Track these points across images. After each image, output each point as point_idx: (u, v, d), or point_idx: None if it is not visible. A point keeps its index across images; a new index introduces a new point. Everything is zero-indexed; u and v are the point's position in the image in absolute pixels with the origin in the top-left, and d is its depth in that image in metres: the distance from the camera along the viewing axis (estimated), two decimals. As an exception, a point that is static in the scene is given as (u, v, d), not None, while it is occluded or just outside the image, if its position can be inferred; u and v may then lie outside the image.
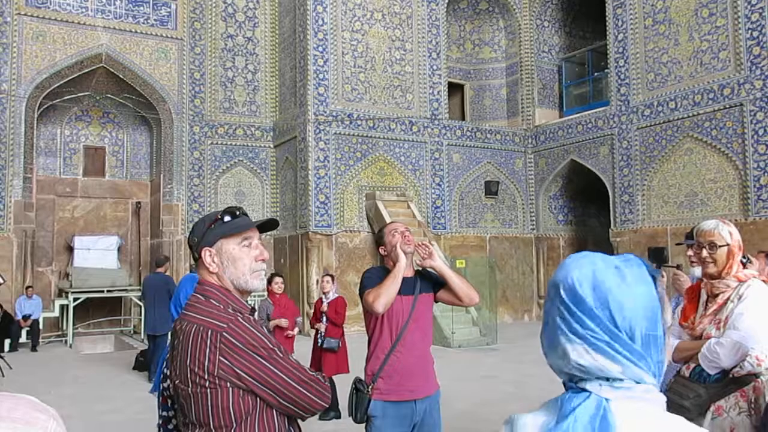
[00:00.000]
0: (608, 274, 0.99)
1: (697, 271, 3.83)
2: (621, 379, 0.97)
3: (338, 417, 6.33)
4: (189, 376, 1.66)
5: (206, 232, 1.80)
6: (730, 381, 2.52)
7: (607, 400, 0.96)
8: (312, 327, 6.87)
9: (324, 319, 6.63)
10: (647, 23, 13.52)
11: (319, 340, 6.60)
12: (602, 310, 0.97)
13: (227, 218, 1.80)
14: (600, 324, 0.96)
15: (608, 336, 0.96)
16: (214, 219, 1.82)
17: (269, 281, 7.20)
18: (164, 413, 1.94)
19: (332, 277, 7.00)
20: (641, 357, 0.96)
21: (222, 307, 1.72)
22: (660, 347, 0.99)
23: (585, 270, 1.00)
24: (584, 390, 0.99)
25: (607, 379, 0.97)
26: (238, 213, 1.83)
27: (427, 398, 3.03)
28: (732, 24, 11.95)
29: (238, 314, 1.72)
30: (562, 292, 1.00)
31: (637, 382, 0.97)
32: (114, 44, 14.20)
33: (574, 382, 1.01)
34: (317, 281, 13.54)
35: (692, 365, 2.64)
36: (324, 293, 6.88)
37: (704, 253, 2.66)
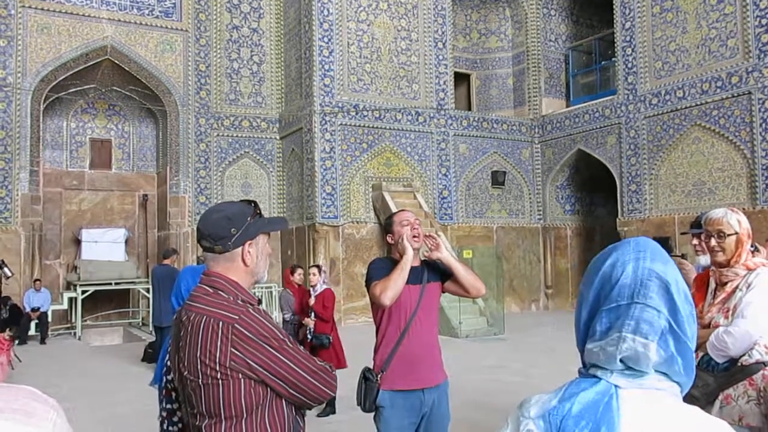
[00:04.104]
0: (676, 270, 1.02)
1: (703, 260, 3.80)
2: (637, 369, 0.98)
3: (333, 413, 6.18)
4: (199, 367, 1.66)
5: (248, 225, 1.77)
6: (739, 370, 2.51)
7: (617, 387, 0.97)
8: (301, 322, 6.62)
9: (312, 314, 6.37)
10: (655, 11, 13.40)
11: (309, 336, 6.36)
12: (688, 305, 1.01)
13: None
14: (686, 318, 1.00)
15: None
16: (252, 213, 1.80)
17: (291, 272, 7.09)
18: (168, 406, 1.93)
19: (319, 267, 6.71)
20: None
21: (231, 298, 1.72)
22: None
23: (671, 268, 1.01)
24: (594, 376, 1.00)
25: (629, 368, 0.98)
26: (259, 208, 1.85)
27: (435, 388, 3.03)
28: (740, 11, 11.83)
29: (249, 305, 1.71)
30: (668, 288, 1.00)
31: (656, 371, 0.98)
32: (119, 36, 14.19)
33: (586, 369, 1.03)
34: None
35: (700, 354, 2.63)
36: (311, 286, 6.56)
37: (713, 241, 2.65)
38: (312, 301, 6.42)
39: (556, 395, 1.02)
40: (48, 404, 0.83)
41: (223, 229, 1.75)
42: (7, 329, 8.67)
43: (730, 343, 2.47)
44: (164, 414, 1.94)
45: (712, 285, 2.76)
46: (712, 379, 2.54)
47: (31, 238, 13.45)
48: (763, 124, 11.43)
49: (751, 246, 2.77)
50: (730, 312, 2.57)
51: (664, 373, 0.99)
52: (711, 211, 2.74)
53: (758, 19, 11.54)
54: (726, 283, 2.67)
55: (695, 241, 3.71)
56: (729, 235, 2.61)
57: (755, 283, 2.55)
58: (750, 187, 11.68)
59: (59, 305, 13.63)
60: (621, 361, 0.98)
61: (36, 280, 13.04)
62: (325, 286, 6.54)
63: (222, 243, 1.75)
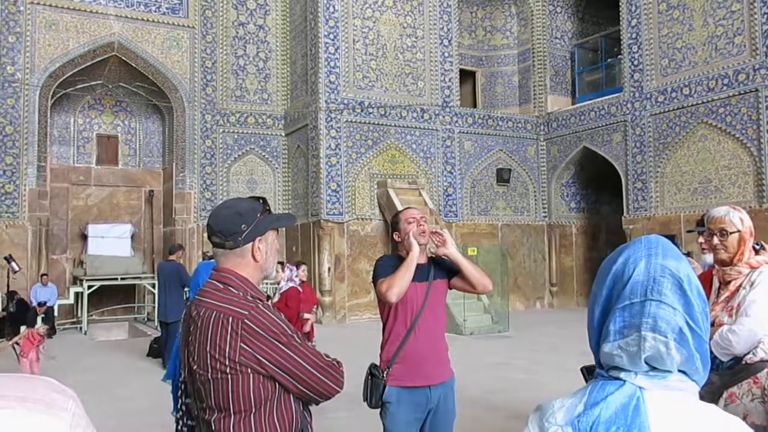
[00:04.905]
0: (689, 266, 1.01)
1: (709, 258, 3.80)
2: (661, 369, 0.97)
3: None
4: (209, 362, 1.68)
5: (258, 221, 1.79)
6: (743, 368, 2.52)
7: (641, 389, 0.97)
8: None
9: None
10: (661, 8, 13.36)
11: None
12: (701, 301, 1.00)
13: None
14: (700, 314, 0.99)
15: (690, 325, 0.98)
16: (262, 209, 1.82)
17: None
18: (188, 401, 1.95)
19: (282, 264, 6.44)
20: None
21: (241, 294, 1.74)
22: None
23: (683, 265, 1.00)
24: (618, 378, 0.99)
25: (653, 368, 0.97)
26: (268, 205, 1.87)
27: (441, 384, 3.05)
28: (747, 8, 11.79)
29: (258, 301, 1.74)
30: (681, 284, 0.99)
31: (680, 371, 0.98)
32: (126, 32, 14.24)
33: (606, 370, 1.02)
34: (329, 269, 13.60)
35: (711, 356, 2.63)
36: (276, 283, 6.32)
37: (715, 240, 2.65)
38: (276, 298, 6.22)
39: (580, 400, 1.00)
40: (66, 394, 0.86)
41: (234, 225, 1.77)
42: (41, 323, 8.71)
43: (735, 341, 2.48)
44: (183, 409, 1.96)
45: (716, 283, 2.77)
46: (717, 377, 2.54)
47: (38, 232, 13.52)
48: (770, 123, 11.39)
49: (757, 244, 2.78)
50: (734, 310, 2.57)
51: (684, 372, 0.99)
52: (713, 210, 2.74)
53: (765, 16, 11.49)
54: (729, 282, 2.67)
55: (701, 239, 3.70)
56: (731, 233, 2.61)
57: (758, 281, 2.56)
58: (757, 185, 11.64)
59: (65, 300, 13.71)
60: (645, 362, 0.97)
61: (43, 274, 13.11)
62: (290, 284, 6.32)
63: (233, 239, 1.77)
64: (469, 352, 9.40)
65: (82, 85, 14.88)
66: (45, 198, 13.94)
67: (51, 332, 8.36)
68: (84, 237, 15.08)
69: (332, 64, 14.08)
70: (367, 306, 13.41)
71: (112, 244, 14.87)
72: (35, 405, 0.80)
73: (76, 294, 13.83)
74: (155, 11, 14.58)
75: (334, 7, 14.16)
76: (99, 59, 14.30)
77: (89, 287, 13.58)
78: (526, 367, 8.51)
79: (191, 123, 14.86)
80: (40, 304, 12.56)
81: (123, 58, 14.48)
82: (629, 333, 0.98)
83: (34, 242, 13.41)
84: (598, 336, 1.04)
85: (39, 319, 12.64)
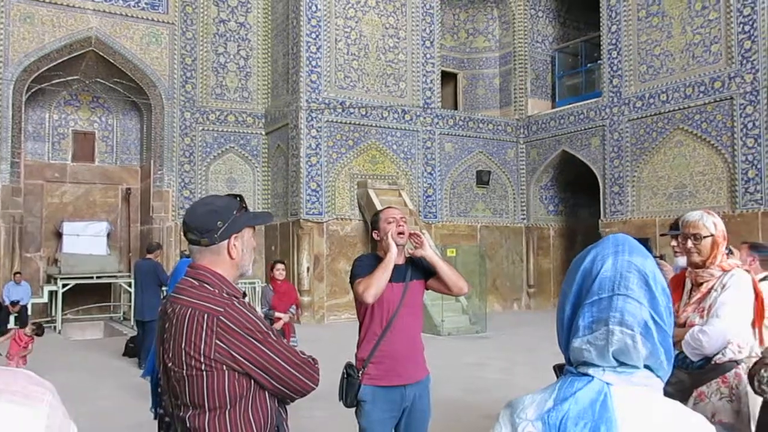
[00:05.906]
0: (654, 264, 1.05)
1: (681, 261, 3.88)
2: (629, 365, 1.00)
3: None
4: (184, 358, 1.68)
5: (234, 218, 1.78)
6: (712, 368, 2.58)
7: (608, 384, 0.99)
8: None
9: None
10: (641, 15, 13.54)
11: None
12: (665, 297, 1.02)
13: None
14: (664, 309, 1.02)
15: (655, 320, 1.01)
16: (238, 207, 1.82)
17: (271, 268, 7.12)
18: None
19: None
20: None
21: (216, 291, 1.73)
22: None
23: (649, 262, 1.03)
24: (586, 375, 1.01)
25: (621, 364, 1.00)
26: (245, 202, 1.87)
27: (416, 384, 3.07)
28: (724, 17, 12.00)
29: (234, 298, 1.74)
30: (646, 280, 1.01)
31: (646, 366, 1.01)
32: (104, 27, 14.06)
33: (575, 366, 1.04)
34: (308, 269, 13.57)
35: (676, 351, 2.69)
36: None
37: (689, 243, 2.71)
38: None
39: (550, 396, 1.02)
40: (44, 386, 0.86)
41: (210, 222, 1.76)
42: (30, 324, 8.54)
43: (705, 341, 2.54)
44: (163, 404, 1.96)
45: (688, 285, 2.84)
46: (687, 376, 2.60)
47: (12, 230, 13.30)
48: (744, 129, 11.61)
49: (726, 249, 2.84)
50: (705, 311, 2.64)
51: (650, 368, 1.01)
52: (687, 214, 2.81)
53: (741, 25, 11.71)
54: (701, 284, 2.74)
55: (674, 243, 3.79)
56: (705, 237, 2.68)
57: (730, 283, 2.63)
58: (730, 191, 11.85)
59: (39, 299, 13.49)
60: (613, 356, 0.99)
61: (16, 272, 12.89)
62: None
63: (208, 236, 1.76)
64: (446, 352, 9.44)
65: (58, 81, 14.66)
66: (19, 195, 13.71)
67: (39, 331, 8.26)
68: (59, 235, 14.86)
69: (314, 63, 14.05)
70: (345, 306, 13.40)
71: (87, 242, 14.67)
72: (13, 396, 0.80)
73: (51, 293, 13.63)
74: (134, 6, 14.42)
75: (316, 6, 14.13)
76: (76, 54, 14.09)
77: (64, 286, 13.39)
78: (502, 367, 8.58)
79: (170, 120, 14.73)
80: (12, 303, 12.35)
81: (101, 53, 14.29)
82: (598, 327, 1.00)
83: (8, 240, 13.18)
84: (567, 333, 1.06)
85: (12, 318, 12.46)
